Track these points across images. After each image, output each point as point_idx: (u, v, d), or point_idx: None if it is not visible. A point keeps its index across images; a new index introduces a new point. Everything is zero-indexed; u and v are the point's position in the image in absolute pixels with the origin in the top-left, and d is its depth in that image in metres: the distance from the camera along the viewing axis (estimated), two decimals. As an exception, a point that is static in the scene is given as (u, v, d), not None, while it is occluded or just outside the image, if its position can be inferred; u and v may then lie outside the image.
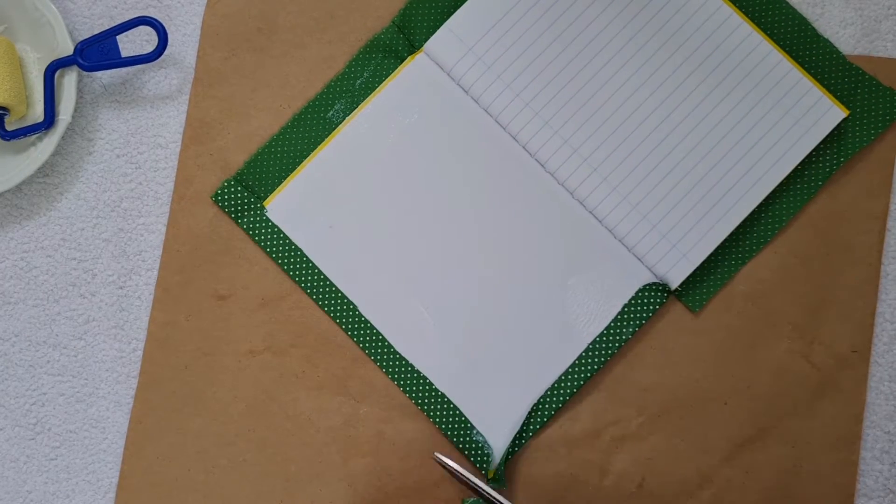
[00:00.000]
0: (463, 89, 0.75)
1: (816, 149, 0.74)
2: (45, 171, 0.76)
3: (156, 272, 0.75)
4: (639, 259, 0.73)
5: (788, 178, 0.74)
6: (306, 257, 0.74)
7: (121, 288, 0.75)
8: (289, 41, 0.76)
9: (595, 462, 0.73)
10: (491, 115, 0.74)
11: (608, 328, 0.73)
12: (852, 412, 0.73)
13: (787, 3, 0.75)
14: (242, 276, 0.74)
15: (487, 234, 0.74)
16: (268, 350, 0.74)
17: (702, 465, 0.72)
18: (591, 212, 0.74)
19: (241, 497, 0.73)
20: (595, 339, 0.73)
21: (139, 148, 0.76)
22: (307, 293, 0.74)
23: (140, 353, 0.75)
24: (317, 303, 0.74)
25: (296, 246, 0.74)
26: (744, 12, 0.75)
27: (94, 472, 0.74)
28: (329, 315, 0.74)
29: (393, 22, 0.76)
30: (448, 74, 0.75)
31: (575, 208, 0.74)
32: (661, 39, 0.74)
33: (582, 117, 0.74)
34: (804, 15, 0.76)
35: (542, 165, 0.74)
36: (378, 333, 0.73)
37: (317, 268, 0.74)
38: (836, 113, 0.73)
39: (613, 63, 0.74)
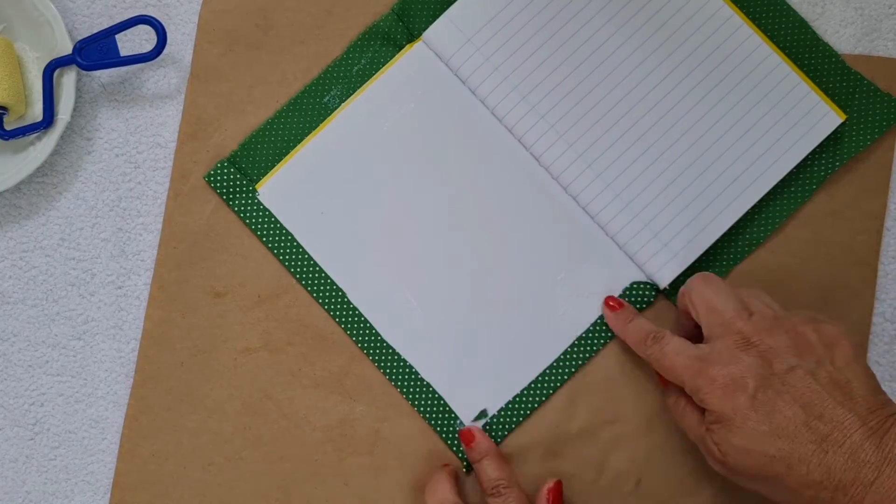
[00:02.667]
0: (460, 80, 0.75)
1: (812, 152, 0.73)
2: (43, 170, 0.76)
3: (153, 271, 0.75)
4: (629, 257, 0.73)
5: (783, 180, 0.73)
6: (296, 241, 0.74)
7: (119, 288, 0.75)
8: (286, 37, 0.76)
9: (592, 460, 0.73)
10: (487, 107, 0.74)
11: (594, 324, 0.73)
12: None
13: (788, 5, 0.75)
14: (239, 273, 0.74)
15: (479, 227, 0.74)
16: (264, 348, 0.74)
17: (700, 463, 0.72)
18: (583, 208, 0.74)
19: (237, 495, 0.73)
20: (581, 334, 0.73)
21: (138, 147, 0.76)
22: (296, 278, 0.74)
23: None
24: (305, 288, 0.74)
25: (286, 230, 0.74)
26: (744, 13, 0.75)
27: (93, 472, 0.74)
28: (317, 301, 0.74)
29: (392, 10, 0.76)
30: (446, 64, 0.75)
31: (567, 203, 0.74)
32: (660, 38, 0.74)
33: (578, 113, 0.74)
34: (804, 16, 0.75)
35: (537, 159, 0.74)
36: (366, 321, 0.74)
37: (306, 253, 0.74)
38: (832, 118, 0.73)
39: (612, 60, 0.74)
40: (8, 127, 0.74)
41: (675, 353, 0.64)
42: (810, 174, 0.74)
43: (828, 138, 0.73)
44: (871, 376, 0.61)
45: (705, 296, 0.65)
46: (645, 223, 0.73)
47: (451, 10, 0.75)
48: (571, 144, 0.73)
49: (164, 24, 0.74)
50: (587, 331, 0.73)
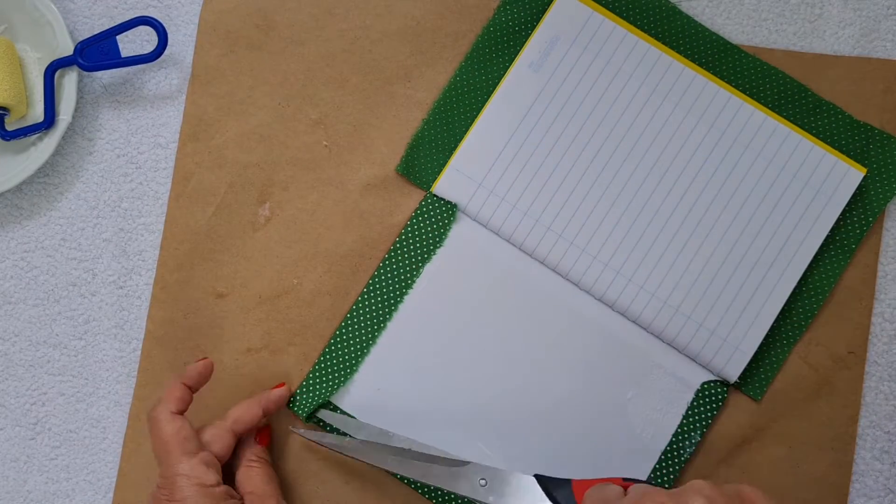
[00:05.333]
0: (481, 224, 0.74)
1: (843, 212, 0.73)
2: (45, 171, 0.76)
3: (154, 272, 0.75)
4: (693, 359, 0.72)
5: (822, 247, 0.73)
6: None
7: (121, 288, 0.75)
8: (287, 38, 0.76)
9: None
10: (515, 245, 0.73)
11: (676, 435, 0.72)
12: (848, 413, 0.73)
13: (784, 74, 0.74)
14: (241, 273, 0.75)
15: (539, 370, 0.72)
16: (265, 348, 0.74)
17: (699, 465, 0.72)
18: (635, 322, 0.73)
19: (239, 495, 0.73)
20: (665, 449, 0.72)
21: (139, 148, 0.76)
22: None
23: (140, 353, 0.75)
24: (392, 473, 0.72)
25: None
26: (741, 91, 0.74)
27: (94, 471, 0.75)
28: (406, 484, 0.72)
29: (396, 170, 0.75)
30: (463, 212, 0.74)
31: (617, 321, 0.73)
32: (666, 136, 0.74)
33: (605, 230, 0.73)
34: (802, 17, 0.76)
35: (576, 285, 0.73)
36: (450, 492, 0.71)
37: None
38: (853, 174, 0.73)
39: (623, 170, 0.73)
40: (9, 127, 0.74)
41: None
42: (846, 234, 0.73)
43: (854, 194, 0.73)
44: None
45: None
46: (699, 323, 0.72)
47: (455, 161, 0.74)
48: (607, 263, 0.73)
49: (165, 25, 0.74)
50: (670, 444, 0.72)
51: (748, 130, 0.73)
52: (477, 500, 0.66)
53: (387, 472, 0.72)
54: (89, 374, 0.75)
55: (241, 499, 0.66)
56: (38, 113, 0.75)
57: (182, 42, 0.77)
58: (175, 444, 0.64)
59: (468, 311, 0.73)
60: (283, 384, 0.72)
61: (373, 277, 0.74)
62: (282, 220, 0.75)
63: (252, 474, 0.68)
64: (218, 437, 0.67)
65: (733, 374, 0.72)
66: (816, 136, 0.74)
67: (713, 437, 0.73)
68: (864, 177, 0.73)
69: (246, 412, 0.69)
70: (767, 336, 0.72)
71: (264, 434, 0.71)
